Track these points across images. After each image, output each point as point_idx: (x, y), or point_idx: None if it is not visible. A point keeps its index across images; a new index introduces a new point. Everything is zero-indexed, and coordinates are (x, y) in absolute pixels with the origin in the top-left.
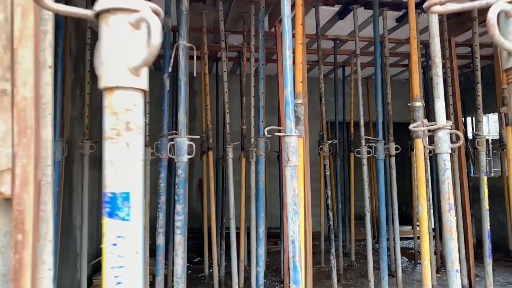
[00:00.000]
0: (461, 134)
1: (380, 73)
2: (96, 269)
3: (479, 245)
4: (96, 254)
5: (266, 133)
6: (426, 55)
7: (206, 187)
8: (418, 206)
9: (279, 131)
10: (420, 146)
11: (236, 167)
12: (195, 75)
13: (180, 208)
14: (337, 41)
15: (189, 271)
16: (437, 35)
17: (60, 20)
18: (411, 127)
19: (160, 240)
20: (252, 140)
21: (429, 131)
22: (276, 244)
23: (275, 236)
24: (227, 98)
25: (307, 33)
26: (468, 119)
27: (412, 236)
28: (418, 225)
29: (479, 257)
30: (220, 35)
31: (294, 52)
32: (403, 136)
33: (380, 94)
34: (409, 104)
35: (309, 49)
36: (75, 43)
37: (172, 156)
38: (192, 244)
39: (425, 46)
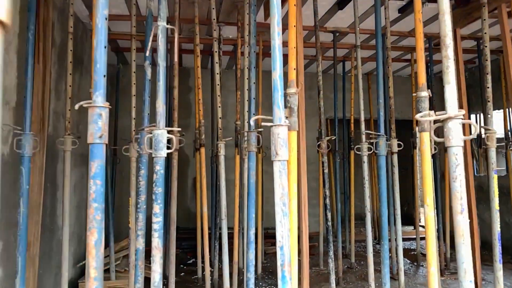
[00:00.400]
0: (476, 125)
1: (381, 64)
2: (83, 272)
3: (483, 246)
4: (84, 255)
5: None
6: (429, 49)
7: (199, 186)
8: (424, 206)
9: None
10: (426, 140)
11: (231, 165)
12: (175, 60)
13: (158, 209)
14: (337, 34)
15: (182, 273)
16: (447, 12)
17: (31, 2)
18: (417, 116)
19: (139, 243)
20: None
21: (435, 122)
22: (274, 245)
23: (273, 236)
24: (219, 91)
25: (305, 25)
26: (472, 116)
27: (414, 237)
28: (421, 226)
29: (483, 259)
30: (212, 24)
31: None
32: (405, 134)
33: (381, 86)
34: (414, 94)
35: (307, 42)
36: (60, 34)
37: (150, 151)
38: (186, 245)
39: (428, 39)
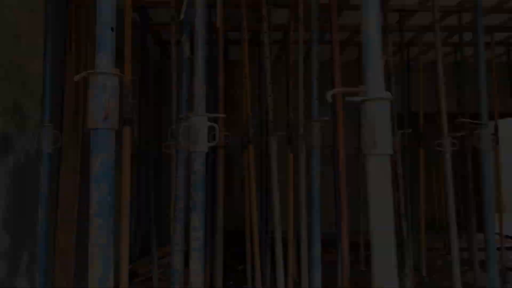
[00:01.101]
0: None
1: (482, 38)
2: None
3: None
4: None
5: (330, 98)
6: None
7: (247, 187)
8: None
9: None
10: None
11: (280, 166)
12: (218, 25)
13: (197, 222)
14: (403, 13)
15: (231, 282)
16: None
17: None
18: None
19: (177, 261)
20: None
21: None
22: (328, 252)
23: (328, 244)
24: (269, 77)
25: None
26: None
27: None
28: (506, 235)
29: None
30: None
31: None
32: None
33: (482, 58)
34: None
35: None
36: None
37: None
38: (236, 250)
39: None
